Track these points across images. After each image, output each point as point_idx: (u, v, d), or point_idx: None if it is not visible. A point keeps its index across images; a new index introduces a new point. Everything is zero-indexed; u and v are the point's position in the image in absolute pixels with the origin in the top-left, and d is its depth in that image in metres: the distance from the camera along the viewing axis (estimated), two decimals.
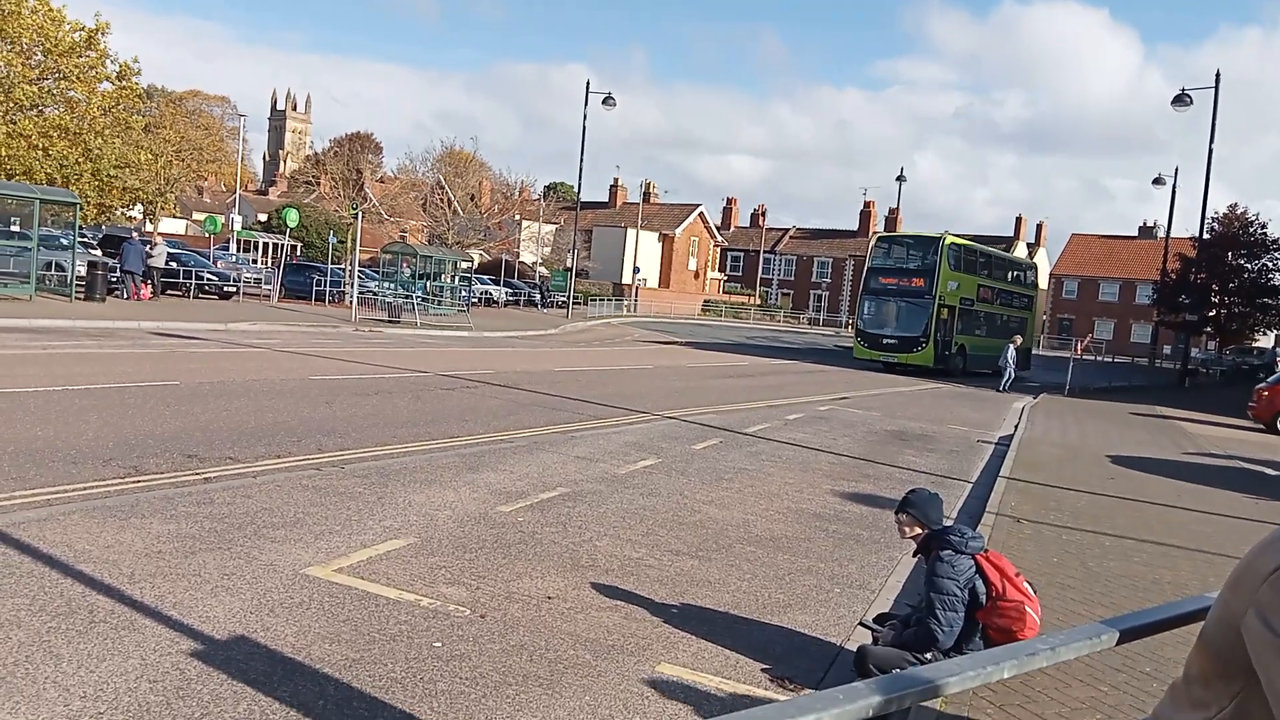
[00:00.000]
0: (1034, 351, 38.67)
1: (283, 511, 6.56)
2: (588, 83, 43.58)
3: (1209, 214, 36.91)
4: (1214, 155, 31.30)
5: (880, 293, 32.40)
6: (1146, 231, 77.71)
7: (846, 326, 77.46)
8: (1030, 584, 4.49)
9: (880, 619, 4.85)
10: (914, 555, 4.89)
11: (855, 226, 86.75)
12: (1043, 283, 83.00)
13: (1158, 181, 39.78)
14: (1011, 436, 15.15)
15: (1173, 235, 41.41)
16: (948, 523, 5.58)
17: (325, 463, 8.33)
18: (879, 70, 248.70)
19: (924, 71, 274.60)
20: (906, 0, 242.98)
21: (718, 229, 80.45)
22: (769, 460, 10.97)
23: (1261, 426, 21.06)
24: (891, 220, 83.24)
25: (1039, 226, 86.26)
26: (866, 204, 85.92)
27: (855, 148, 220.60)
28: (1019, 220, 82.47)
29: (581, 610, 5.25)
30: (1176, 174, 40.20)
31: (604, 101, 42.73)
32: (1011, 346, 29.23)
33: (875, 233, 25.77)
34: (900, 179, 69.90)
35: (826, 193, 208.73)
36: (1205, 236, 36.09)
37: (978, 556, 4.41)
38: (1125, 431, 18.01)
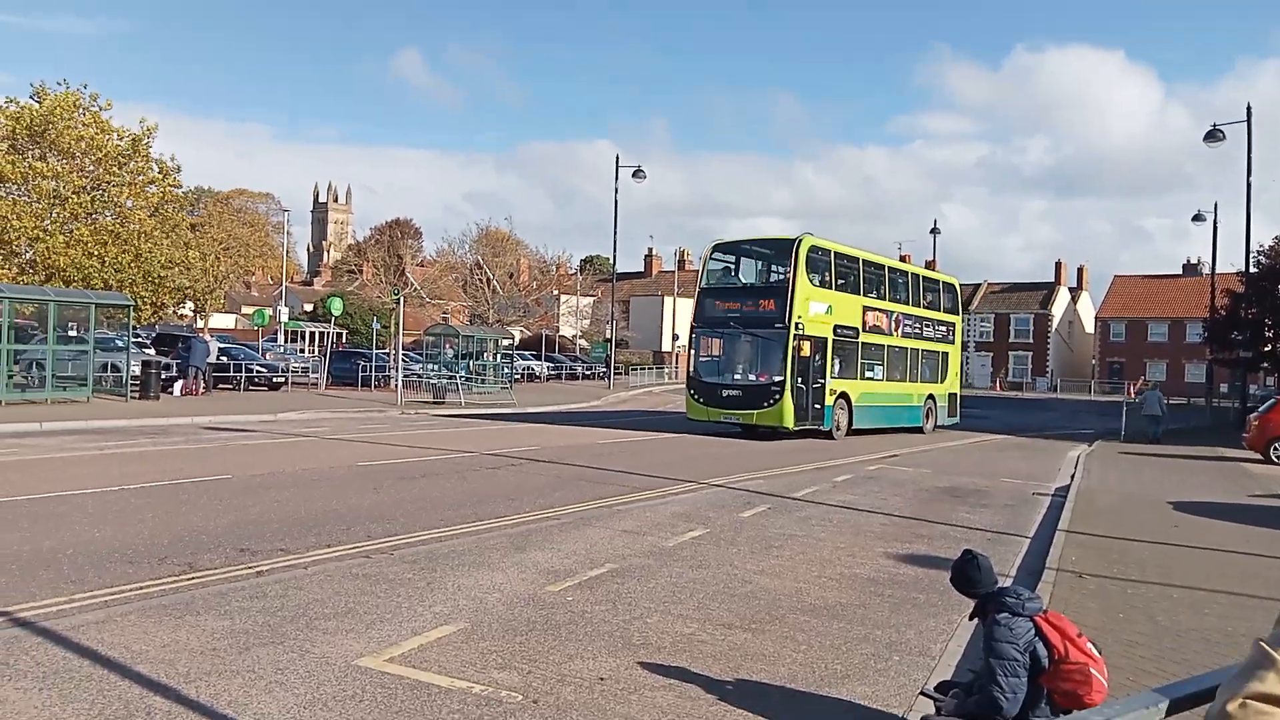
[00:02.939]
0: (1088, 398, 36.32)
1: (334, 602, 6.59)
2: (617, 158, 44.49)
3: (1254, 247, 36.15)
4: (1252, 188, 30.90)
5: (716, 324, 23.05)
6: (1190, 269, 76.44)
7: None
8: (1095, 644, 4.35)
9: (942, 687, 4.72)
10: (970, 619, 4.77)
11: None
12: (1089, 327, 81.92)
13: (1197, 218, 39.26)
14: (1068, 487, 14.79)
15: (1218, 271, 40.72)
16: (1005, 582, 5.45)
17: (374, 550, 8.38)
18: (898, 126, 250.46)
19: (943, 124, 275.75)
20: (919, 56, 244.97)
21: None
22: (819, 525, 10.82)
23: (1259, 457, 20.53)
24: None
25: (1079, 270, 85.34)
26: (902, 258, 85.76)
27: (881, 203, 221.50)
28: (1058, 265, 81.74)
29: (635, 690, 5.18)
30: (1216, 209, 39.48)
31: (634, 174, 43.52)
32: (1159, 391, 26.30)
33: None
34: (934, 231, 69.92)
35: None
36: (1252, 270, 35.44)
37: (1037, 618, 4.30)
38: (1186, 476, 17.50)
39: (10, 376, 23.04)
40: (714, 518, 10.87)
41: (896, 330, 26.05)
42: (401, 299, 35.72)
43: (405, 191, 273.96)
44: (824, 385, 22.59)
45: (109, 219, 32.16)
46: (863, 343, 24.31)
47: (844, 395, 23.40)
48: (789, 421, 21.47)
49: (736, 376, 22.56)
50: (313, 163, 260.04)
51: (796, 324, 21.34)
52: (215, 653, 5.44)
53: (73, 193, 30.75)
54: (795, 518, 11.23)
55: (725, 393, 22.32)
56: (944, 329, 29.12)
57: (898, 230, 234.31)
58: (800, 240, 22.18)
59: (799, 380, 21.64)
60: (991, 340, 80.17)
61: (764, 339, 22.13)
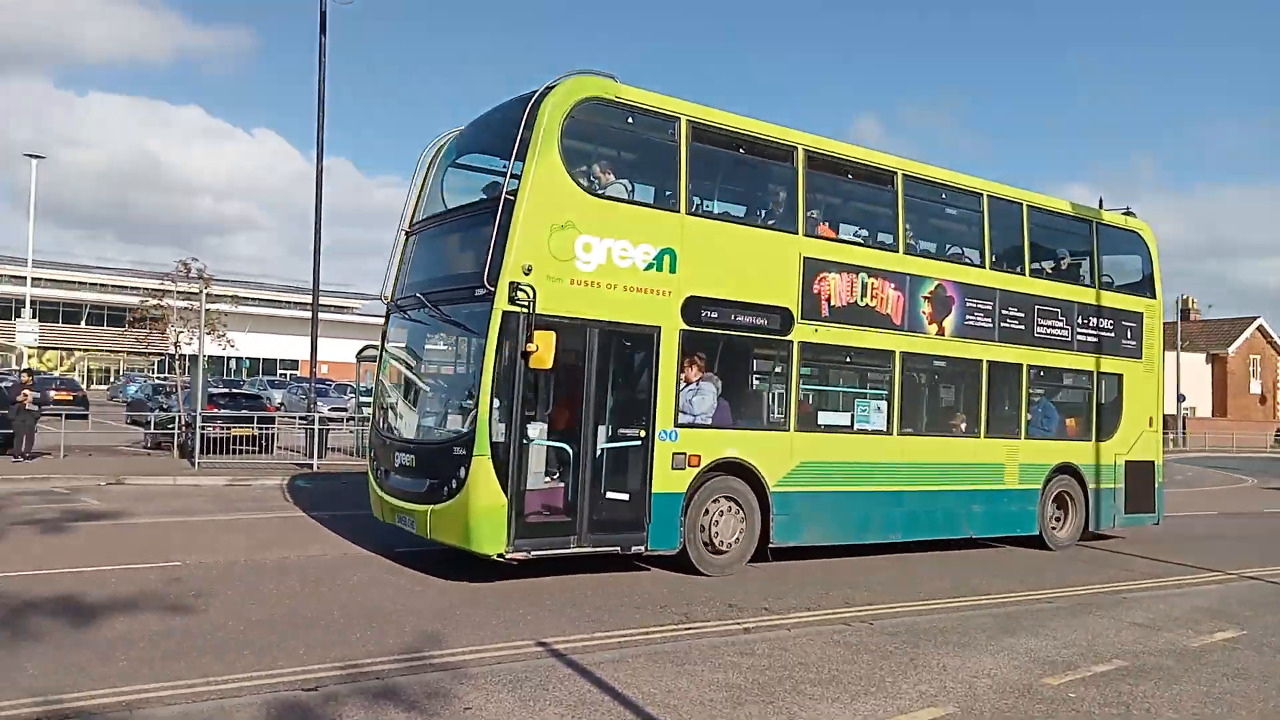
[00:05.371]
0: None
1: (818, 667, 6.65)
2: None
3: None
4: None
5: (407, 303, 10.36)
6: None
7: None
8: None
9: None
10: None
11: None
12: None
13: None
14: None
15: None
16: None
17: (853, 617, 8.35)
18: None
19: None
20: None
21: None
22: None
23: None
24: None
25: None
26: None
27: None
28: None
29: None
30: None
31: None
32: None
33: None
34: None
35: None
36: None
37: None
38: None
39: None
40: (1250, 618, 9.12)
41: (937, 319, 11.88)
42: None
43: None
44: (648, 444, 9.36)
45: None
46: (802, 344, 10.61)
47: (738, 469, 10.05)
48: (481, 537, 8.50)
49: (415, 423, 10.34)
50: None
51: (514, 286, 8.52)
52: (712, 704, 5.76)
53: None
54: None
55: (399, 459, 9.82)
56: (1109, 327, 14.00)
57: None
58: (549, 89, 9.11)
59: (524, 431, 8.63)
60: None
61: (456, 333, 9.86)
